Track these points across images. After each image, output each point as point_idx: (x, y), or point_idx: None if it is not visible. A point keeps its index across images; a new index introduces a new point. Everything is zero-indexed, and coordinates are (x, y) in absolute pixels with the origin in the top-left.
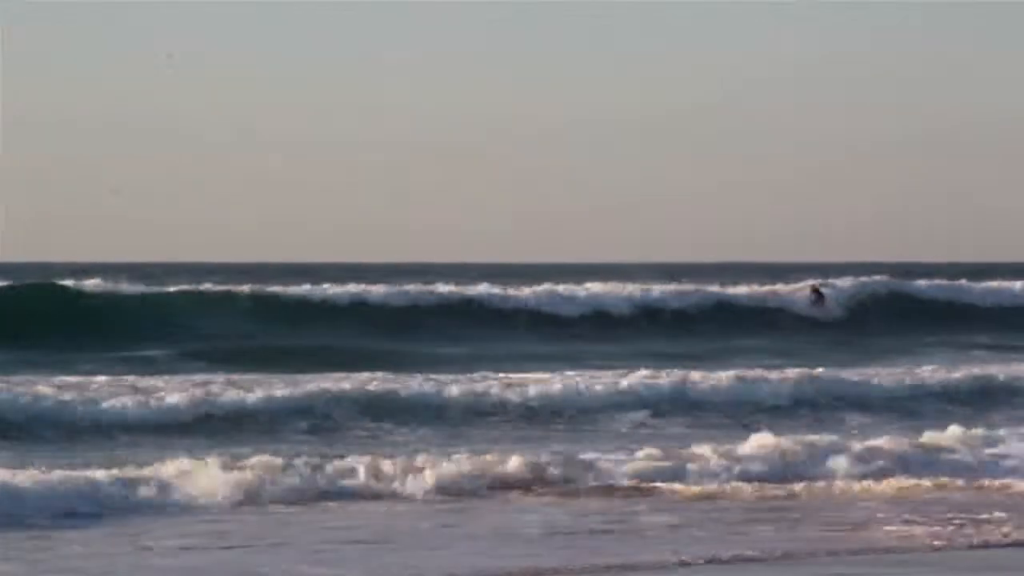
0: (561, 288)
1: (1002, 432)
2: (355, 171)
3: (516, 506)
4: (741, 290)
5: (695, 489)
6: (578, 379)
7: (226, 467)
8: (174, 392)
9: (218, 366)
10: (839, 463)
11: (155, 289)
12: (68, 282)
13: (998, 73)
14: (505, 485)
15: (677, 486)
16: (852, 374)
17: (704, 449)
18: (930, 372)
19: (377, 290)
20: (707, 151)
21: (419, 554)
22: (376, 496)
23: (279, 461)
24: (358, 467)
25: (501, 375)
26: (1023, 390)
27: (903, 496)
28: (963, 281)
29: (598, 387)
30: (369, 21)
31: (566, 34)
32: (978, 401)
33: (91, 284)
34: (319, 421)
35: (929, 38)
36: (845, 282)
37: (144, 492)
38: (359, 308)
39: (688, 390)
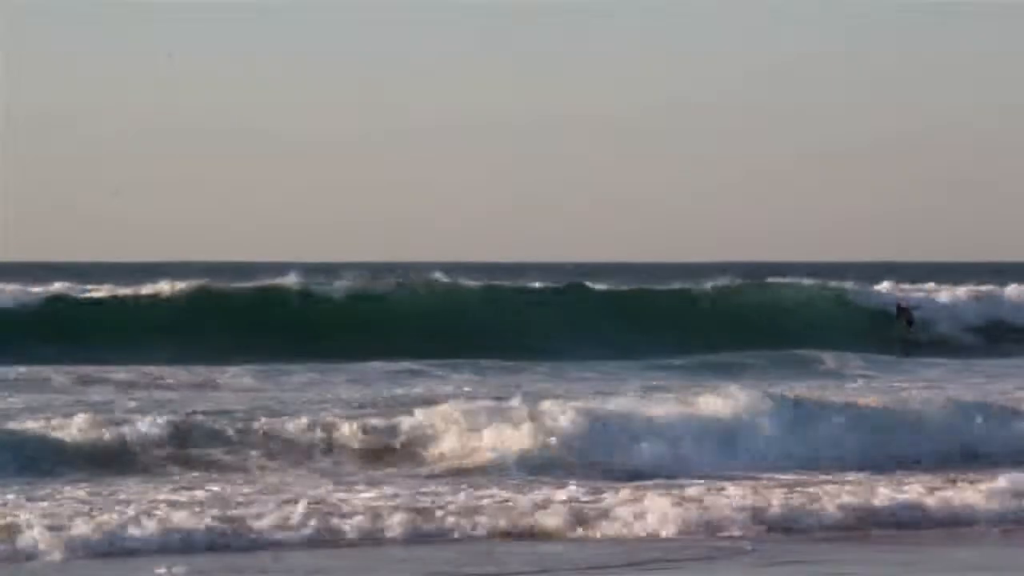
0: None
1: None
2: (355, 170)
3: None
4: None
5: None
6: None
7: None
8: None
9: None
10: None
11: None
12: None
13: (999, 73)
14: None
15: None
16: None
17: None
18: None
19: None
20: (707, 151)
21: None
22: None
23: None
24: None
25: None
26: None
27: None
28: None
29: None
30: (369, 21)
31: (565, 34)
32: None
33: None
34: None
35: (929, 38)
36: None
37: None
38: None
39: None
